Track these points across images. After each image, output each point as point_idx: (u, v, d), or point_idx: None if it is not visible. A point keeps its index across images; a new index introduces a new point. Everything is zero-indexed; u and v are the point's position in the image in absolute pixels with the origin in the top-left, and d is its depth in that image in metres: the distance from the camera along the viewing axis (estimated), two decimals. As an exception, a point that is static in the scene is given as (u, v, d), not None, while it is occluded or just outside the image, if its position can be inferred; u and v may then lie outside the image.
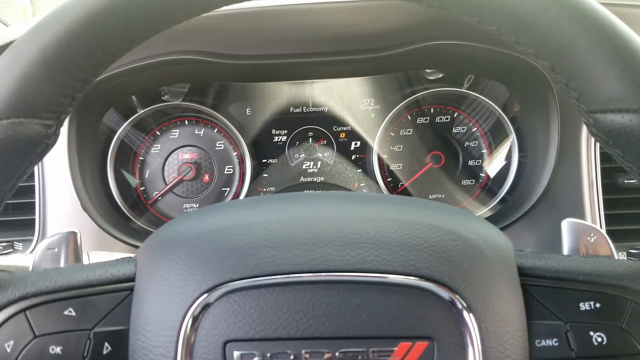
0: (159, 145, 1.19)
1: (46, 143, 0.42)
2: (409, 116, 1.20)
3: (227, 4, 0.44)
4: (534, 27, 0.40)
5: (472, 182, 1.21)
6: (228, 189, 1.21)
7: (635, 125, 0.39)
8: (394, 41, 0.98)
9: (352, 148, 1.22)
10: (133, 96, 1.14)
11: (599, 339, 0.42)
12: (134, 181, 1.18)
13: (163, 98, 1.17)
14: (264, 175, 1.23)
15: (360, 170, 1.23)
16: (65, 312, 0.43)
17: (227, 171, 1.21)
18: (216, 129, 1.20)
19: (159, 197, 1.19)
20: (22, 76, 0.39)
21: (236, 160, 1.21)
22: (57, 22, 0.40)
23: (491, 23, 0.42)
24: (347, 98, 1.20)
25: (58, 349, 0.42)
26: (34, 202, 0.99)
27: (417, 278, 0.40)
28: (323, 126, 1.22)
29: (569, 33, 0.39)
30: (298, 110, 1.21)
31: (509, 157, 1.16)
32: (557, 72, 0.42)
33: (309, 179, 1.23)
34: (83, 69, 0.41)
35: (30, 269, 0.49)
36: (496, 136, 1.18)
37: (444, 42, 0.95)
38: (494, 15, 0.41)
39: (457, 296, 0.40)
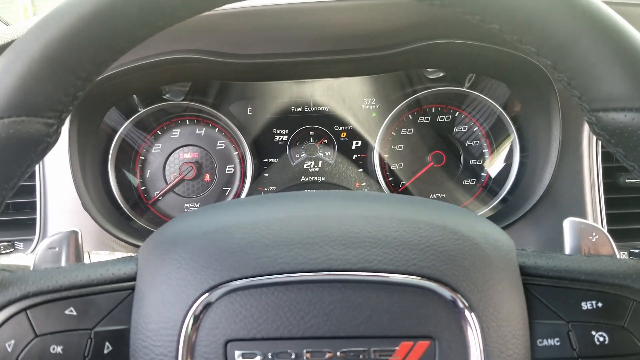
0: (160, 145, 1.19)
1: (47, 142, 0.42)
2: (410, 115, 1.20)
3: (230, 2, 0.44)
4: (536, 25, 0.40)
5: (473, 181, 1.21)
6: (229, 188, 1.21)
7: (637, 123, 0.39)
8: (395, 40, 0.98)
9: (353, 147, 1.22)
10: (134, 95, 1.14)
11: (601, 339, 0.42)
12: (135, 180, 1.18)
13: (164, 97, 1.17)
14: (265, 174, 1.23)
15: (361, 169, 1.23)
16: (66, 312, 0.43)
17: (228, 171, 1.21)
18: (217, 129, 1.20)
19: (160, 196, 1.19)
20: (24, 75, 0.39)
21: (237, 160, 1.21)
22: (59, 20, 0.40)
23: (493, 21, 0.42)
24: (348, 97, 1.20)
25: (59, 349, 0.42)
26: (35, 202, 0.99)
27: (418, 277, 0.40)
28: (324, 125, 1.22)
29: (571, 31, 0.39)
30: (299, 109, 1.21)
31: (510, 157, 1.16)
32: (559, 71, 0.41)
33: (310, 179, 1.23)
34: (85, 68, 0.41)
35: (31, 269, 0.49)
36: (497, 135, 1.18)
37: (445, 41, 0.95)
38: (496, 14, 0.41)
39: (459, 295, 0.40)
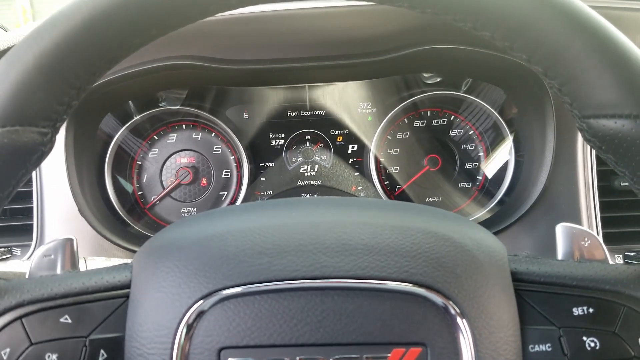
0: (157, 150, 1.19)
1: (42, 151, 0.42)
2: (406, 119, 1.20)
3: (223, 11, 0.44)
4: (527, 32, 0.40)
5: (469, 184, 1.21)
6: (225, 192, 1.21)
7: (627, 130, 0.39)
8: (391, 45, 0.98)
9: (349, 151, 1.23)
10: (130, 101, 1.14)
11: (592, 344, 0.42)
12: (130, 187, 1.18)
13: (160, 105, 1.17)
14: (262, 179, 1.23)
15: (358, 173, 1.23)
16: (61, 320, 0.43)
17: (224, 175, 1.21)
18: (214, 133, 1.20)
19: (156, 201, 1.19)
20: (18, 84, 0.39)
21: (234, 164, 1.21)
22: (53, 29, 0.40)
23: (484, 29, 0.42)
24: (345, 101, 1.21)
25: (54, 357, 0.42)
26: (31, 208, 0.99)
27: (410, 284, 0.40)
28: (320, 129, 1.22)
29: (562, 39, 0.39)
30: (295, 113, 1.21)
31: (505, 160, 1.16)
32: (551, 78, 0.42)
33: (306, 183, 1.23)
34: (79, 77, 0.41)
35: (27, 276, 0.49)
36: (493, 139, 1.18)
37: (441, 46, 0.95)
38: (487, 21, 0.41)
39: (451, 302, 0.40)
